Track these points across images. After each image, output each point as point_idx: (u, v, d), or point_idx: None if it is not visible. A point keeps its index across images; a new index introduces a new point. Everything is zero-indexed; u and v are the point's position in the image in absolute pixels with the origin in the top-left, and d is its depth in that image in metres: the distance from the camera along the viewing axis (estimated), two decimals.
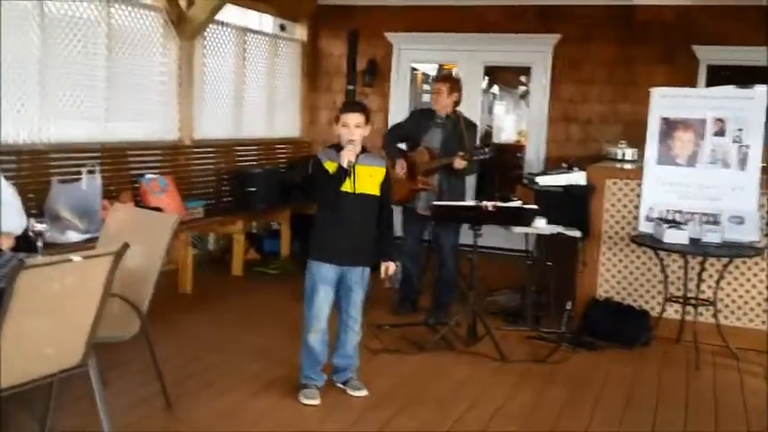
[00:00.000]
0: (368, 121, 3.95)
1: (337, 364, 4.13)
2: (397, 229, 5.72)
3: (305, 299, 4.02)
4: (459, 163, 5.27)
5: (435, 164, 5.44)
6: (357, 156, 3.87)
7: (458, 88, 5.56)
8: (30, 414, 3.46)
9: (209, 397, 3.95)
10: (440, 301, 5.56)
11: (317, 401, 3.93)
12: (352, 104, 4.05)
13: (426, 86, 9.51)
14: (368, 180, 3.94)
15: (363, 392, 4.07)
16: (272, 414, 3.83)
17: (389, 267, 4.08)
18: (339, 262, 3.95)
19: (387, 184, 4.05)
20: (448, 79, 6.07)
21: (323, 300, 3.96)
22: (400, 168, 5.50)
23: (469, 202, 5.05)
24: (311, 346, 4.00)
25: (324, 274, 3.95)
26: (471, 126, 5.57)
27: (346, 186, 3.88)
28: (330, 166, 3.88)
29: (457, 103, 5.54)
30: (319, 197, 4.03)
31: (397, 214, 5.59)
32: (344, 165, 3.81)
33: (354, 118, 3.89)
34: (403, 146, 5.69)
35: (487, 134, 10.18)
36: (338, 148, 3.90)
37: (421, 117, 5.73)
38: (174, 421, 3.66)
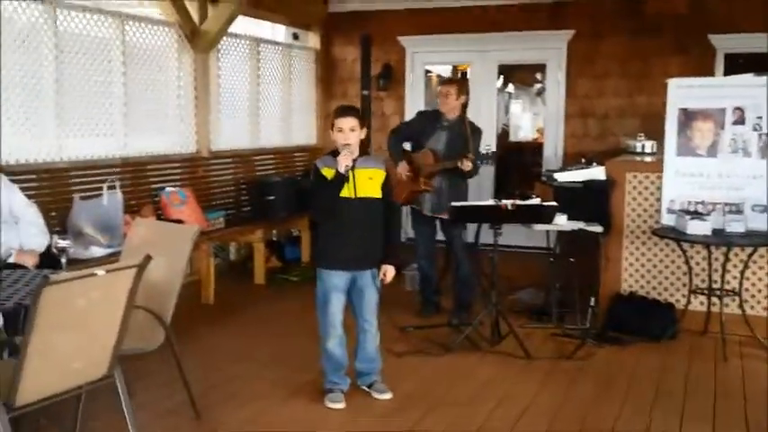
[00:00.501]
0: (363, 124, 3.93)
1: (360, 369, 4.13)
2: (410, 232, 5.77)
3: (318, 307, 4.03)
4: (467, 164, 5.23)
5: (439, 167, 5.42)
6: (355, 160, 3.85)
7: (466, 91, 5.55)
8: (58, 426, 3.50)
9: (235, 406, 3.97)
10: (460, 300, 5.55)
11: (342, 405, 3.94)
12: (345, 109, 3.99)
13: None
14: (368, 183, 3.91)
15: (388, 395, 4.07)
16: (299, 419, 3.84)
17: (388, 271, 4.00)
18: (347, 267, 3.94)
19: (388, 185, 4.02)
20: (456, 81, 6.08)
21: (336, 307, 3.96)
22: (402, 170, 5.50)
23: (489, 202, 5.02)
24: (331, 353, 4.01)
25: (334, 282, 3.95)
26: (476, 131, 5.52)
27: (347, 192, 3.86)
28: (328, 173, 3.86)
29: (465, 105, 5.52)
30: (319, 205, 3.98)
31: (406, 217, 5.62)
32: (341, 170, 3.80)
33: (348, 122, 3.86)
34: (407, 146, 5.68)
35: (504, 133, 10.14)
36: (335, 154, 3.88)
37: (427, 119, 5.70)
38: (203, 431, 3.68)
